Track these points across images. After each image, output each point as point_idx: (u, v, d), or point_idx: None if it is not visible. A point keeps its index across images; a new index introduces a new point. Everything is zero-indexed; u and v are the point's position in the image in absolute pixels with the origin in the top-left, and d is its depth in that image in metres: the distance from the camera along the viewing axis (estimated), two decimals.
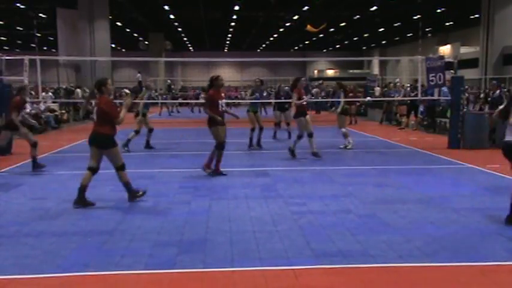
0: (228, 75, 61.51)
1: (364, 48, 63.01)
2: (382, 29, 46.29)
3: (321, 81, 37.24)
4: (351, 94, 21.02)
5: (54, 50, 40.92)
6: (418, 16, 37.54)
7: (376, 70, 54.69)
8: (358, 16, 38.75)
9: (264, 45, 59.13)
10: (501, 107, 6.25)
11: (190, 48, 62.91)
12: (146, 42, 49.58)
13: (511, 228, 5.42)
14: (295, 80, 11.30)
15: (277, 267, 4.29)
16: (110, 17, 31.88)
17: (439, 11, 36.13)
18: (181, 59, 63.24)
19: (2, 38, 51.47)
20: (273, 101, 13.68)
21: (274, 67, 61.61)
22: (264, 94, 14.41)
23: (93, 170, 6.56)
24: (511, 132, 5.95)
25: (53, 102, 20.92)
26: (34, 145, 9.13)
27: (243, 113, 12.29)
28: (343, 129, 12.24)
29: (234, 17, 37.78)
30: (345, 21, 41.30)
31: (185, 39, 54.02)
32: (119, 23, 40.16)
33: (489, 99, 14.21)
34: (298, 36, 51.06)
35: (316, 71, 61.31)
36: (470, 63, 32.05)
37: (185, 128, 19.20)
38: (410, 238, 5.08)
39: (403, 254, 4.63)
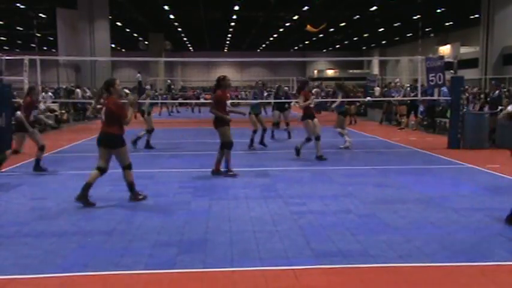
0: (228, 75, 61.31)
1: (364, 48, 63.04)
2: (382, 29, 46.30)
3: (319, 82, 37.33)
4: (351, 94, 21.09)
5: (54, 50, 40.95)
6: (418, 16, 37.55)
7: (376, 70, 54.71)
8: (358, 16, 38.77)
9: (264, 45, 59.16)
10: (510, 108, 6.13)
11: (190, 48, 62.95)
12: (146, 42, 49.60)
13: (511, 228, 5.42)
14: (302, 82, 11.19)
15: (277, 267, 4.29)
16: (110, 17, 31.89)
17: (439, 11, 36.15)
18: (181, 59, 63.32)
19: (2, 38, 51.51)
20: (272, 101, 13.68)
21: (274, 67, 61.65)
22: (265, 94, 14.41)
23: (102, 170, 6.60)
24: None
25: (53, 102, 20.93)
26: (41, 148, 9.08)
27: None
28: (339, 129, 12.24)
29: (234, 17, 37.81)
30: (345, 21, 41.32)
31: (185, 39, 54.05)
32: (119, 23, 40.19)
33: (488, 99, 14.21)
34: (298, 36, 51.09)
35: (316, 71, 61.38)
36: (470, 63, 32.08)
37: (185, 128, 19.20)
38: (410, 238, 5.08)
39: (403, 254, 4.63)
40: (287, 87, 19.35)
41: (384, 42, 56.98)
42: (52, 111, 19.11)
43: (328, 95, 26.85)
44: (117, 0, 31.00)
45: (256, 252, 4.68)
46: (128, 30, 45.97)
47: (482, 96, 17.94)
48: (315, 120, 10.34)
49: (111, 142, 6.55)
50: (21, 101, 13.40)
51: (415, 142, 13.47)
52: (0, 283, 4.00)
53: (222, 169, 8.60)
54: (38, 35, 40.48)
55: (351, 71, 55.02)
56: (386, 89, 23.18)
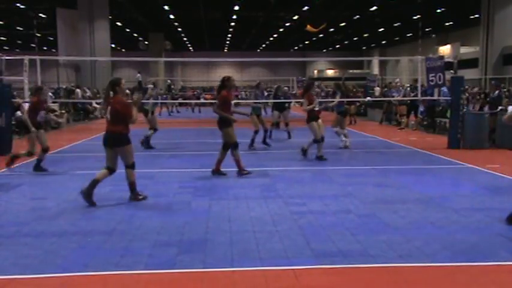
0: (228, 75, 61.51)
1: (364, 48, 63.06)
2: (382, 29, 46.31)
3: (319, 82, 37.33)
4: (350, 94, 21.08)
5: (54, 50, 40.97)
6: (418, 16, 37.56)
7: (376, 70, 54.73)
8: (358, 16, 38.77)
9: (264, 45, 59.19)
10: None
11: (190, 48, 62.96)
12: (146, 42, 49.61)
13: (511, 228, 5.42)
14: (308, 84, 11.10)
15: (277, 267, 4.29)
16: (110, 17, 31.89)
17: (439, 11, 36.17)
18: (181, 59, 63.34)
19: (2, 38, 51.52)
20: (270, 101, 13.69)
21: (274, 67, 61.69)
22: (265, 94, 14.42)
23: (111, 170, 6.66)
24: None
25: (53, 102, 20.91)
26: (45, 150, 9.07)
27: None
28: (336, 129, 12.23)
29: (234, 17, 37.81)
30: (345, 21, 41.33)
31: (185, 39, 54.06)
32: (119, 23, 40.19)
33: (488, 99, 14.21)
34: (298, 36, 51.10)
35: (316, 71, 61.40)
36: (470, 63, 32.09)
37: (185, 128, 19.20)
38: (410, 238, 5.08)
39: (403, 254, 4.63)
40: (287, 87, 19.34)
41: (384, 42, 57.00)
42: (52, 111, 19.09)
43: (328, 94, 26.83)
44: (117, 0, 31.00)
45: (256, 252, 4.68)
46: (128, 30, 45.98)
47: (481, 96, 17.93)
48: (319, 121, 10.34)
49: (116, 141, 6.60)
50: (21, 101, 13.43)
51: (415, 142, 13.47)
52: (0, 283, 4.01)
53: (245, 169, 8.55)
54: (38, 35, 40.49)
55: (351, 71, 54.99)
56: (386, 89, 23.18)
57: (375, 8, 33.82)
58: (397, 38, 52.35)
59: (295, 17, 38.40)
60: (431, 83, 13.27)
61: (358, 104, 22.15)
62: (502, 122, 6.74)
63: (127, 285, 4.04)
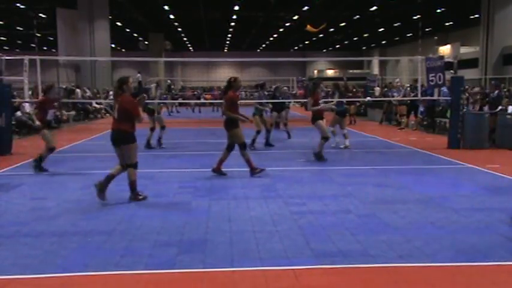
0: (228, 75, 61.26)
1: (364, 48, 63.06)
2: (382, 29, 46.31)
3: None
4: (350, 94, 21.11)
5: (54, 50, 40.96)
6: (418, 16, 37.56)
7: (376, 70, 54.72)
8: (358, 16, 38.76)
9: (264, 45, 59.18)
10: None
11: (190, 48, 62.94)
12: (146, 42, 49.59)
13: (511, 228, 5.43)
14: (314, 84, 11.05)
15: (278, 267, 4.30)
16: (110, 17, 31.89)
17: (439, 11, 36.17)
18: (181, 59, 63.30)
19: (2, 38, 51.52)
20: (269, 101, 13.69)
21: (274, 67, 61.67)
22: (266, 94, 14.42)
23: (123, 166, 6.78)
24: None
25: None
26: (51, 150, 9.07)
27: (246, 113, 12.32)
28: (332, 128, 12.23)
29: (234, 17, 37.80)
30: (345, 21, 41.32)
31: (185, 39, 54.05)
32: (119, 23, 40.19)
33: (487, 99, 14.21)
34: (298, 36, 51.09)
35: (316, 71, 61.36)
36: (470, 63, 32.08)
37: (185, 128, 19.19)
38: (410, 238, 5.08)
39: (403, 254, 4.63)
40: (287, 87, 19.33)
41: (384, 42, 56.99)
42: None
43: (328, 94, 26.84)
44: (117, 0, 31.00)
45: (256, 252, 4.68)
46: (128, 30, 45.98)
47: (479, 96, 17.91)
48: (324, 120, 10.36)
49: (122, 138, 6.68)
50: (21, 101, 13.44)
51: (415, 142, 13.47)
52: (0, 283, 4.01)
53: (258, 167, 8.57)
54: (38, 35, 40.48)
55: (351, 71, 54.99)
56: (386, 89, 23.18)
57: (375, 8, 33.82)
58: (397, 38, 52.34)
59: (295, 17, 38.40)
60: (431, 83, 13.27)
61: (358, 104, 22.16)
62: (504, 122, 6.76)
63: (127, 285, 4.04)
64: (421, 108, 17.27)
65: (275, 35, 50.15)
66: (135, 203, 6.64)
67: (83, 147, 12.90)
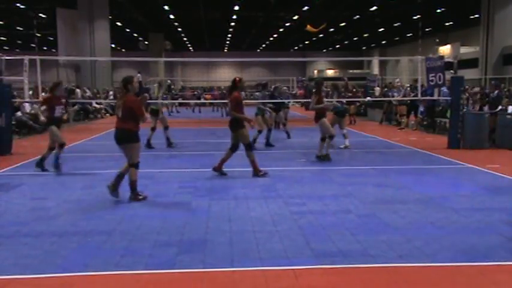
0: (228, 75, 61.46)
1: (364, 48, 63.05)
2: (382, 29, 46.32)
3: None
4: (349, 94, 21.10)
5: (54, 50, 40.98)
6: (418, 16, 37.57)
7: (376, 70, 54.73)
8: (358, 16, 38.77)
9: (264, 45, 59.19)
10: None
11: (190, 48, 62.95)
12: (146, 42, 49.60)
13: (511, 228, 5.43)
14: (318, 83, 11.02)
15: (278, 267, 4.30)
16: (110, 17, 31.90)
17: (439, 11, 36.16)
18: (181, 59, 63.28)
19: (2, 38, 51.52)
20: (268, 101, 13.71)
21: (274, 67, 61.68)
22: (267, 93, 14.42)
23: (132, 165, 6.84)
24: None
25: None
26: (60, 146, 9.06)
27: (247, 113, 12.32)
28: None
29: (234, 17, 37.81)
30: (345, 21, 41.33)
31: (185, 39, 54.05)
32: (119, 23, 40.20)
33: (487, 99, 14.22)
34: (298, 36, 51.10)
35: (316, 71, 61.37)
36: (470, 63, 32.08)
37: (185, 128, 19.19)
38: (410, 238, 5.08)
39: (403, 254, 4.63)
40: (287, 86, 19.32)
41: (384, 42, 56.98)
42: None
43: (328, 94, 26.84)
44: (117, 0, 31.01)
45: (256, 252, 4.68)
46: (128, 30, 45.98)
47: (478, 96, 17.90)
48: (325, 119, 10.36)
49: (126, 137, 6.73)
50: (21, 101, 13.44)
51: (415, 142, 13.47)
52: (0, 283, 4.01)
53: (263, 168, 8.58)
54: (38, 35, 40.51)
55: (351, 71, 54.99)
56: (386, 89, 23.18)
57: (375, 8, 33.82)
58: (397, 38, 52.34)
59: (295, 17, 38.40)
60: (431, 83, 13.27)
61: (358, 104, 22.15)
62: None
63: (127, 285, 4.04)
64: (421, 108, 17.27)
65: (275, 35, 50.15)
66: (135, 203, 6.64)
67: (83, 147, 12.88)
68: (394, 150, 12.33)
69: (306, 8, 33.52)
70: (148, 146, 12.25)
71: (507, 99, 14.03)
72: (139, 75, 26.18)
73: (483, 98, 14.29)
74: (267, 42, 56.26)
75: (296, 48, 63.41)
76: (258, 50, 61.55)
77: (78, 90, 25.20)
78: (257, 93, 16.57)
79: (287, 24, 42.58)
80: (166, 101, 27.13)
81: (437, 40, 41.04)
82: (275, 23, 42.76)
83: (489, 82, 25.34)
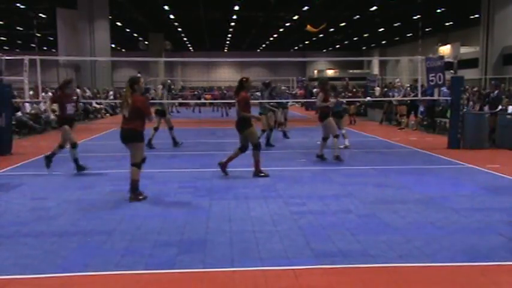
0: (228, 75, 61.62)
1: (364, 48, 63.06)
2: (382, 29, 46.32)
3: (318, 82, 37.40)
4: (349, 94, 21.10)
5: (54, 50, 40.98)
6: (418, 16, 37.57)
7: (376, 70, 54.74)
8: (358, 16, 38.77)
9: (264, 45, 59.19)
10: None
11: (190, 48, 62.95)
12: (146, 42, 49.62)
13: (511, 228, 5.43)
14: (323, 82, 10.98)
15: (278, 267, 4.30)
16: (110, 17, 31.91)
17: (439, 11, 36.17)
18: (181, 59, 63.32)
19: (2, 38, 51.53)
20: (267, 101, 13.72)
21: (274, 67, 61.69)
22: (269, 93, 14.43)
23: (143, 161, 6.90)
24: None
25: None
26: (63, 147, 9.04)
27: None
28: None
29: (234, 17, 37.82)
30: (345, 21, 41.33)
31: (185, 39, 54.06)
32: (119, 23, 40.20)
33: (487, 99, 14.23)
34: (298, 36, 51.10)
35: (316, 71, 61.41)
36: (470, 63, 32.09)
37: (185, 128, 19.18)
38: (410, 238, 5.08)
39: (403, 254, 4.63)
40: (286, 86, 19.32)
41: (384, 42, 56.99)
42: (52, 111, 19.09)
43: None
44: (117, 0, 31.02)
45: (256, 252, 4.68)
46: (128, 30, 45.98)
47: (476, 94, 17.93)
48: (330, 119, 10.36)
49: (131, 136, 6.77)
50: (21, 101, 13.44)
51: (415, 142, 13.47)
52: (0, 283, 4.01)
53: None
54: (38, 35, 40.50)
55: (351, 71, 55.00)
56: (386, 89, 23.17)
57: (375, 8, 33.83)
58: (397, 38, 52.35)
59: (295, 17, 38.41)
60: (431, 83, 13.27)
61: (358, 104, 22.15)
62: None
63: (127, 285, 4.04)
64: (421, 108, 17.28)
65: (275, 35, 50.16)
66: (135, 203, 6.64)
67: (83, 147, 12.83)
68: (394, 150, 12.33)
69: (306, 8, 33.53)
70: (149, 145, 12.25)
71: (507, 99, 14.03)
72: (139, 75, 26.22)
73: (480, 97, 14.29)
74: (267, 42, 56.26)
75: (296, 48, 63.42)
76: (258, 50, 61.55)
77: (78, 90, 25.20)
78: (257, 93, 16.55)
79: (287, 24, 42.59)
80: (166, 101, 27.18)
81: (440, 44, 41.20)
82: (275, 23, 42.77)
83: (489, 82, 25.33)
